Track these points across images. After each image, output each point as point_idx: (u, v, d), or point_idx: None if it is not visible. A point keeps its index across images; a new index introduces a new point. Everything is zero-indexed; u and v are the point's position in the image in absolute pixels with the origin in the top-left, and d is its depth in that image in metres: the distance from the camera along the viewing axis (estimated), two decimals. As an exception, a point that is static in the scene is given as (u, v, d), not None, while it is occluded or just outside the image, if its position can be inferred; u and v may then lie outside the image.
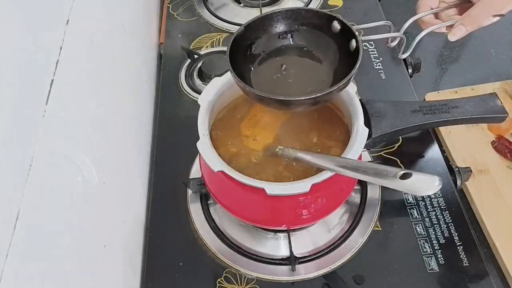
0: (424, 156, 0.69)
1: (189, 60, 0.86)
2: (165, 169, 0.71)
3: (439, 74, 1.00)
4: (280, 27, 0.54)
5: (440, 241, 0.59)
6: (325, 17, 0.52)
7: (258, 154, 0.55)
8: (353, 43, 0.49)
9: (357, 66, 0.46)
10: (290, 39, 0.55)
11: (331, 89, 0.46)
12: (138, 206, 0.66)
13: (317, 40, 0.54)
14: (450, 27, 0.54)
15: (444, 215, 0.62)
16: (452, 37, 0.54)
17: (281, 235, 0.62)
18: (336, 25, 0.51)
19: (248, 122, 0.58)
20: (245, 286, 0.58)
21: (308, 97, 0.46)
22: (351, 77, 0.46)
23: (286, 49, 0.55)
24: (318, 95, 0.45)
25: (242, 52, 0.53)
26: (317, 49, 0.54)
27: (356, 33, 0.49)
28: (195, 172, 0.69)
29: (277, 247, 0.62)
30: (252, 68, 0.54)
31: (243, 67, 0.53)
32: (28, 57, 0.39)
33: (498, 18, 0.53)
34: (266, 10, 0.93)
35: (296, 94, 0.47)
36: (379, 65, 0.81)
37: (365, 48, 0.82)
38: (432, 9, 0.56)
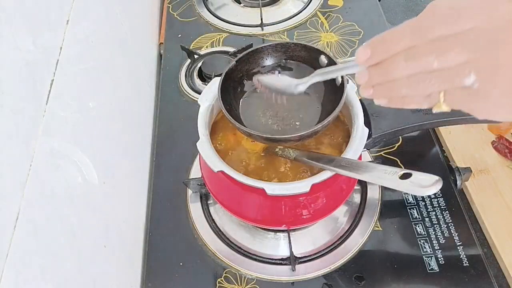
0: (424, 156, 0.69)
1: (189, 60, 0.86)
2: (165, 169, 0.71)
3: (439, 74, 1.00)
4: (270, 61, 0.55)
5: (440, 241, 0.59)
6: (313, 51, 0.53)
7: (258, 154, 0.55)
8: (339, 78, 0.50)
9: (342, 103, 0.47)
10: (279, 74, 0.56)
11: (315, 128, 0.47)
12: (138, 206, 0.66)
13: (305, 73, 0.54)
14: None
15: (444, 215, 0.62)
16: None
17: (281, 235, 0.62)
18: (323, 59, 0.52)
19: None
20: (245, 286, 0.58)
21: (293, 135, 0.47)
22: (336, 114, 0.47)
23: None
24: (302, 133, 0.47)
25: (234, 86, 0.55)
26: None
27: None
28: (195, 172, 0.69)
29: (277, 247, 0.62)
30: (243, 102, 0.55)
31: (234, 101, 0.54)
32: (28, 57, 0.39)
33: None
34: (267, 10, 0.94)
35: (284, 130, 0.51)
36: (379, 65, 0.81)
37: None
38: None
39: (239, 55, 0.54)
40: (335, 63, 0.50)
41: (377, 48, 0.32)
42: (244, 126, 0.51)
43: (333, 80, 0.51)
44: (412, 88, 0.32)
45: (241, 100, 0.56)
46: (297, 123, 0.53)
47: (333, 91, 0.51)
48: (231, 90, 0.54)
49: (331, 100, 0.51)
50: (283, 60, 0.55)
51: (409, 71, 0.31)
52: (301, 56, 0.54)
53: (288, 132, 0.52)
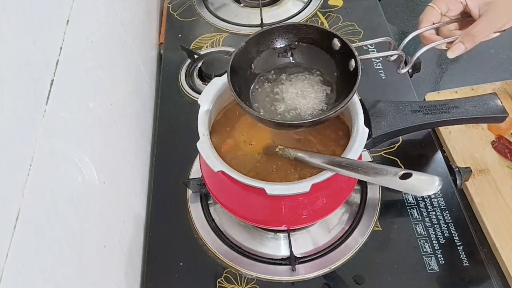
0: (424, 156, 0.69)
1: (189, 60, 0.86)
2: (165, 169, 0.71)
3: (439, 74, 1.00)
4: (280, 42, 0.54)
5: (440, 241, 0.59)
6: (326, 33, 0.51)
7: (258, 153, 0.55)
8: (353, 62, 0.49)
9: (355, 89, 0.46)
10: (290, 56, 0.55)
11: (328, 114, 0.46)
12: (138, 206, 0.66)
13: (317, 57, 0.53)
14: (450, 43, 0.54)
15: (444, 215, 0.62)
16: (451, 55, 0.53)
17: (281, 235, 0.62)
18: (336, 43, 0.51)
19: (246, 122, 0.58)
20: (245, 286, 0.58)
21: (306, 121, 0.47)
22: (348, 101, 0.46)
23: (286, 66, 0.55)
24: (315, 119, 0.46)
25: (243, 69, 0.53)
26: (317, 66, 0.54)
27: (356, 53, 0.48)
28: (195, 172, 0.69)
29: (277, 247, 0.62)
30: (253, 86, 0.54)
31: (243, 84, 0.53)
32: (28, 57, 0.39)
33: (498, 34, 0.53)
34: (267, 10, 0.94)
35: (296, 116, 0.49)
36: (379, 65, 0.81)
37: (365, 48, 0.82)
38: (434, 24, 0.55)
39: (249, 36, 0.52)
40: (348, 47, 0.48)
41: None
42: (254, 110, 0.49)
43: (347, 64, 0.49)
44: None
45: (250, 84, 0.54)
46: (309, 109, 0.52)
47: (346, 75, 0.50)
48: (241, 73, 0.52)
49: (343, 84, 0.50)
50: (294, 42, 0.54)
51: None
52: (313, 39, 0.53)
53: (300, 117, 0.50)
